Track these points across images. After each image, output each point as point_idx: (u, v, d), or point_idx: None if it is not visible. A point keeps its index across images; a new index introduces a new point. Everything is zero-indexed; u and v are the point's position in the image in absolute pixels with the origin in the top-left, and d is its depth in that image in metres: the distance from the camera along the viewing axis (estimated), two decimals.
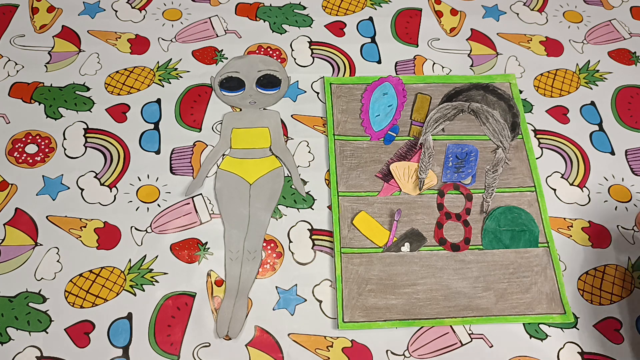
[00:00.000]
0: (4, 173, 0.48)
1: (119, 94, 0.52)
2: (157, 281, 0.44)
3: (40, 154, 0.49)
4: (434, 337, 0.43)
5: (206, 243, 0.46)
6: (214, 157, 0.49)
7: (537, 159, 0.51)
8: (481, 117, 0.51)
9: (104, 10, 0.58)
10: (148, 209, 0.47)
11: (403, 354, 0.42)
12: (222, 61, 0.55)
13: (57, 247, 0.45)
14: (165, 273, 0.44)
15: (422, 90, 0.53)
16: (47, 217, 0.46)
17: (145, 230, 0.46)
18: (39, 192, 0.47)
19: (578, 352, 0.43)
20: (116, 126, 0.51)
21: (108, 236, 0.46)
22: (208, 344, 0.42)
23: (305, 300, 0.44)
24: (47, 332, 0.42)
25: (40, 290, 0.43)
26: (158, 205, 0.47)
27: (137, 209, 0.47)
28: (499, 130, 0.50)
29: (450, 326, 0.43)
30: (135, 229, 0.46)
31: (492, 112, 0.51)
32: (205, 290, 0.44)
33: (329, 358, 0.42)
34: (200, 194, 0.48)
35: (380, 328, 0.43)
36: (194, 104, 0.52)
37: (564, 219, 0.48)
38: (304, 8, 0.59)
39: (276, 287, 0.44)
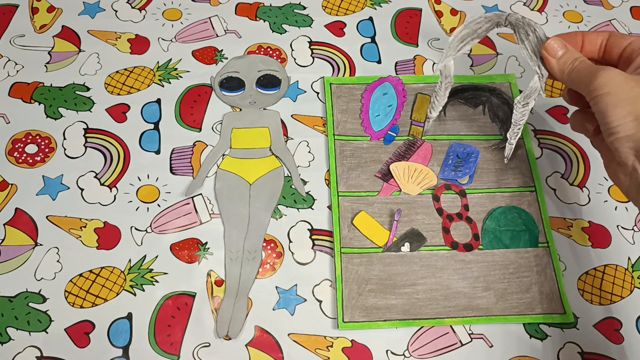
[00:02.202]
0: (4, 173, 0.48)
1: (119, 94, 0.52)
2: (157, 281, 0.44)
3: (40, 154, 0.49)
4: (434, 337, 0.43)
5: (206, 243, 0.46)
6: (214, 157, 0.49)
7: (537, 159, 0.51)
8: (520, 32, 0.41)
9: (104, 10, 0.58)
10: (148, 209, 0.47)
11: (403, 354, 0.42)
12: (222, 61, 0.55)
13: (57, 247, 0.45)
14: (165, 273, 0.44)
15: (422, 90, 0.53)
16: (47, 217, 0.46)
17: (145, 230, 0.46)
18: (39, 192, 0.47)
19: (578, 352, 0.43)
20: (116, 126, 0.51)
21: (108, 236, 0.46)
22: (208, 344, 0.42)
23: (305, 300, 0.44)
24: (47, 332, 0.42)
25: (40, 290, 0.43)
26: (158, 205, 0.47)
27: (137, 209, 0.47)
28: (539, 51, 0.40)
29: (450, 326, 0.43)
30: (135, 229, 0.46)
31: (535, 26, 0.40)
32: (205, 290, 0.44)
33: (329, 358, 0.42)
34: (200, 194, 0.48)
35: (380, 328, 0.43)
36: (194, 104, 0.52)
37: (564, 219, 0.48)
38: (304, 8, 0.59)
39: (276, 287, 0.44)
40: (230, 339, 0.42)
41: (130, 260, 0.45)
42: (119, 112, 0.51)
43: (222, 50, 0.55)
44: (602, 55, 0.40)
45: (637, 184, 0.35)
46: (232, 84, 0.53)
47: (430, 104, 0.43)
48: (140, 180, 0.48)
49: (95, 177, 0.48)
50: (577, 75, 0.37)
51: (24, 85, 0.53)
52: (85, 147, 0.50)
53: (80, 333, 0.42)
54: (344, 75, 0.55)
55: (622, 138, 0.34)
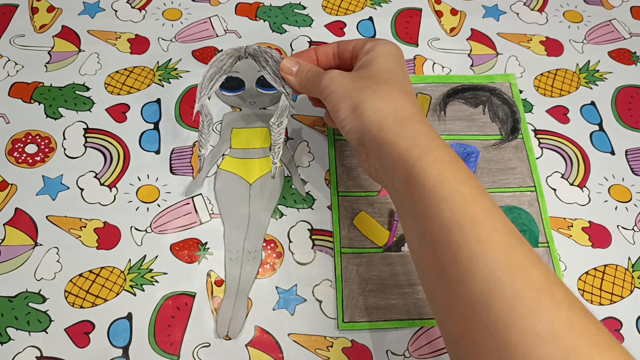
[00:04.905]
0: (3, 173, 0.48)
1: (119, 94, 0.52)
2: (157, 281, 0.44)
3: (40, 154, 0.49)
4: (434, 337, 0.43)
5: (206, 243, 0.46)
6: (214, 157, 0.49)
7: (537, 159, 0.51)
8: (260, 60, 0.45)
9: (104, 10, 0.58)
10: (148, 209, 0.47)
11: (403, 354, 0.42)
12: None
13: (57, 247, 0.45)
14: (165, 273, 0.44)
15: (422, 90, 0.53)
16: (47, 217, 0.46)
17: (145, 230, 0.46)
18: (39, 192, 0.47)
19: None
20: (116, 126, 0.51)
21: (108, 236, 0.46)
22: (208, 344, 0.42)
23: (305, 300, 0.44)
24: (47, 332, 0.42)
25: (40, 290, 0.43)
26: (158, 205, 0.47)
27: (137, 209, 0.47)
28: (280, 74, 0.44)
29: None
30: (135, 229, 0.46)
31: (271, 52, 0.44)
32: (205, 290, 0.44)
33: (329, 358, 0.42)
34: (200, 194, 0.48)
35: (380, 328, 0.43)
36: (194, 103, 0.52)
37: (564, 219, 0.48)
38: (304, 8, 0.59)
39: (276, 287, 0.44)
40: (230, 339, 0.42)
41: (130, 260, 0.45)
42: (118, 112, 0.51)
43: (222, 50, 0.55)
44: (338, 63, 0.43)
45: (374, 169, 0.39)
46: (232, 84, 0.53)
47: (198, 143, 0.44)
48: (140, 180, 0.48)
49: (95, 177, 0.48)
50: (310, 83, 0.41)
51: (23, 85, 0.52)
52: (85, 147, 0.50)
53: (80, 333, 0.42)
54: None
55: (349, 132, 0.37)
